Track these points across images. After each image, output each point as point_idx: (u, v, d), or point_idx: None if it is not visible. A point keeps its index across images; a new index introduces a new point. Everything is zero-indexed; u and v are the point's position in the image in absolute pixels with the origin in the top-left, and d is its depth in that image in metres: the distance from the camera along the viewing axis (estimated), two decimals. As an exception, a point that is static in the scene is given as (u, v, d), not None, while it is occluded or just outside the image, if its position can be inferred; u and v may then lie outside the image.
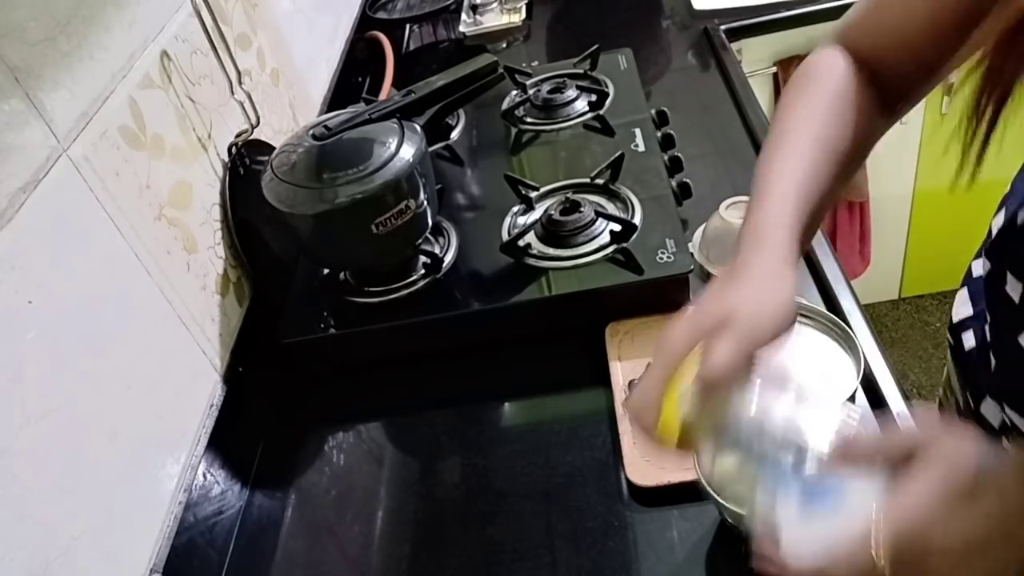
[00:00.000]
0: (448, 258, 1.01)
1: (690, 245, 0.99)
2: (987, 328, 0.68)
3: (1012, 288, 0.62)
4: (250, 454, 0.94)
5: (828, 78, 0.64)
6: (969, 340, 0.72)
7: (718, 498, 0.67)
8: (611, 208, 1.01)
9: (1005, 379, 0.65)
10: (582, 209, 0.98)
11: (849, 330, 0.82)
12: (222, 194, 1.00)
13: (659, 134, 1.13)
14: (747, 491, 0.50)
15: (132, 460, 0.76)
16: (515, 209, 1.05)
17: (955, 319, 0.76)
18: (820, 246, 0.98)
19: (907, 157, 1.90)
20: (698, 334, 0.50)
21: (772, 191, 0.57)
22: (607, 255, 0.94)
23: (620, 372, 0.88)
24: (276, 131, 1.20)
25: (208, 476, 0.86)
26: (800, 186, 0.57)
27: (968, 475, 0.40)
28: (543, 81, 1.28)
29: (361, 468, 0.91)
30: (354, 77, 1.56)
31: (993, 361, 0.67)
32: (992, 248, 0.68)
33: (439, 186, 1.02)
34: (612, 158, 1.03)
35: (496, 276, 0.97)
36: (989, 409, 0.69)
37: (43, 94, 0.72)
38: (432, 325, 0.96)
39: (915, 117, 1.79)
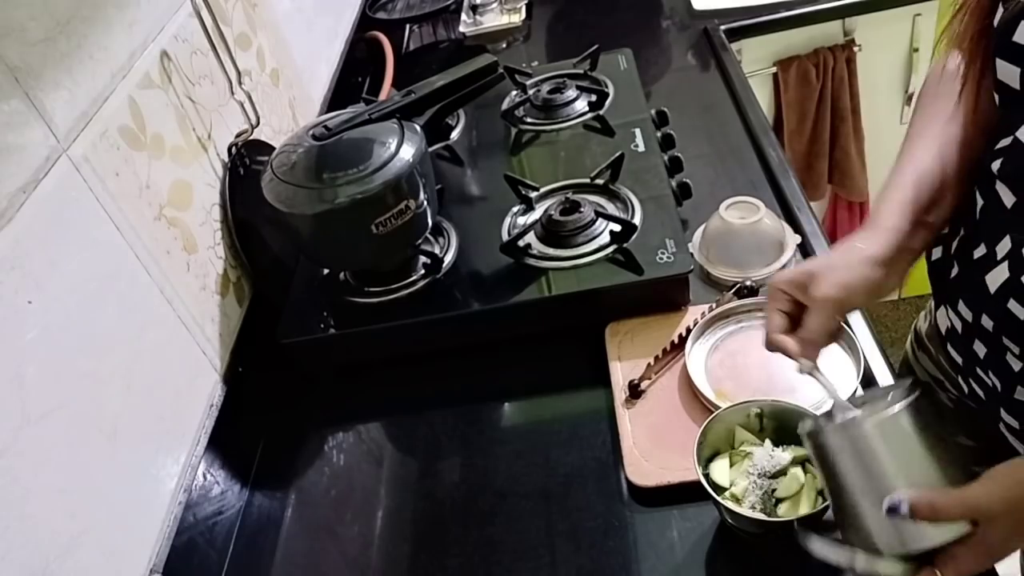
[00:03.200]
0: (448, 258, 1.01)
1: (690, 245, 0.99)
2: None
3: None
4: (250, 454, 0.94)
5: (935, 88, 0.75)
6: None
7: (718, 498, 0.67)
8: (611, 208, 1.01)
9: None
10: (582, 209, 0.98)
11: (849, 330, 0.82)
12: (222, 194, 1.00)
13: (659, 134, 1.13)
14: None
15: (132, 460, 0.76)
16: (515, 209, 1.05)
17: None
18: (819, 246, 0.99)
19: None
20: (789, 288, 0.66)
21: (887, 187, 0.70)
22: (607, 255, 0.94)
23: (620, 372, 0.88)
24: (276, 131, 1.20)
25: (208, 476, 0.86)
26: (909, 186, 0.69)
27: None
28: (543, 81, 1.28)
29: (361, 468, 0.91)
30: (354, 77, 1.56)
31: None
32: None
33: (439, 186, 1.02)
34: (612, 158, 1.03)
35: (496, 276, 0.97)
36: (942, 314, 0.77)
37: (43, 94, 0.72)
38: (432, 325, 0.96)
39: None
